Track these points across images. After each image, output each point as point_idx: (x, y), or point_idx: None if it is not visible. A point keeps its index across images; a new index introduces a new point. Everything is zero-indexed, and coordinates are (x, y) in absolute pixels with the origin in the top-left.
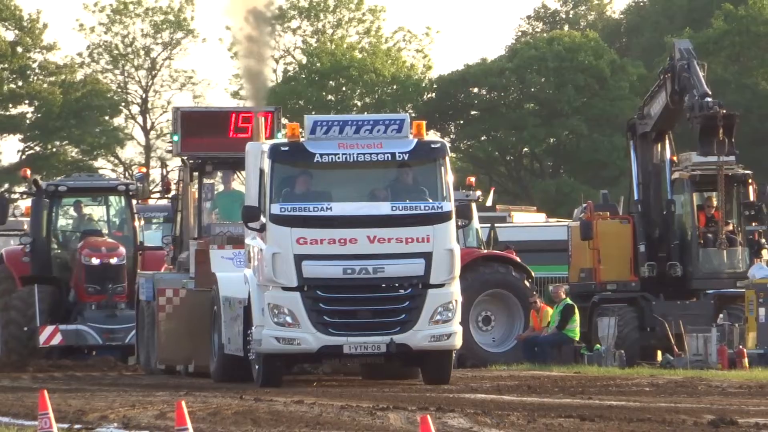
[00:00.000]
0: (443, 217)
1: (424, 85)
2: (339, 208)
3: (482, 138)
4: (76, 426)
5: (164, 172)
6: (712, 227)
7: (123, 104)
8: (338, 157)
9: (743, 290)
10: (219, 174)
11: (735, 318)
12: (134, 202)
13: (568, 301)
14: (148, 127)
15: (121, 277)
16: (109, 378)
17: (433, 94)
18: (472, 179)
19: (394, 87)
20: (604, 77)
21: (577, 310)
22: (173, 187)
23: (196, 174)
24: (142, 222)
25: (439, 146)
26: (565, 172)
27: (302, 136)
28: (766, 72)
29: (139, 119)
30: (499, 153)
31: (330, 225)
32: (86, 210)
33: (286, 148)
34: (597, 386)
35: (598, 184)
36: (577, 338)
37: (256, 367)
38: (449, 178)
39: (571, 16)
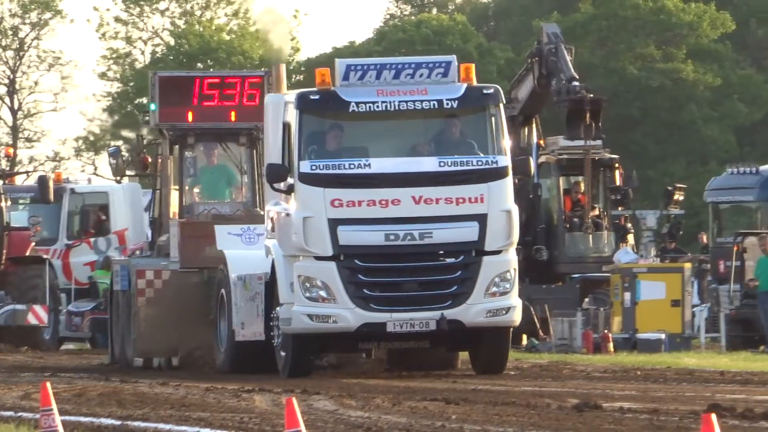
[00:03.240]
0: (499, 173)
1: (292, 67)
2: (378, 165)
3: None
4: None
5: (139, 144)
6: (578, 211)
7: None
8: (377, 106)
9: (609, 275)
10: (201, 147)
11: (600, 302)
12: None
13: None
14: (16, 108)
15: None
16: None
17: (302, 77)
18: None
19: (263, 69)
20: (471, 61)
21: None
22: (152, 162)
23: (176, 147)
24: (9, 202)
25: (492, 92)
26: None
27: (334, 84)
28: (633, 57)
29: (7, 100)
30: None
31: (369, 184)
32: None
33: (317, 97)
34: (461, 370)
35: None
36: None
37: (282, 353)
38: (504, 129)
39: None
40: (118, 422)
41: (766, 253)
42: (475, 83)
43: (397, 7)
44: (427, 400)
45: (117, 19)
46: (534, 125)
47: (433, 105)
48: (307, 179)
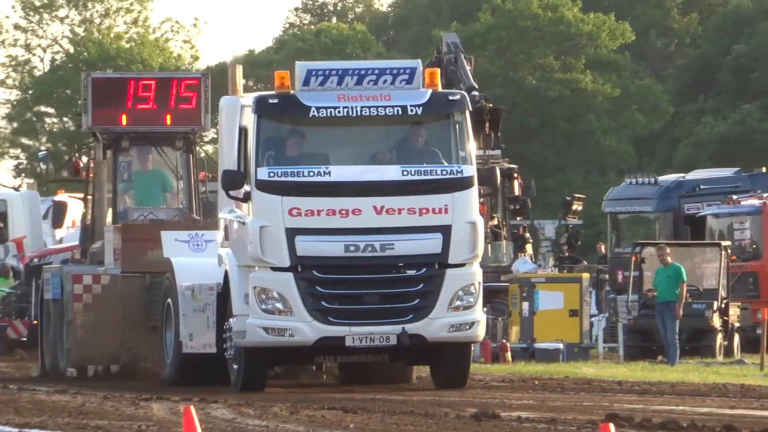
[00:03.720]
0: (464, 183)
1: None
2: (339, 173)
3: None
4: None
5: (71, 149)
6: None
7: None
8: (338, 111)
9: (507, 284)
10: (135, 151)
11: (499, 312)
12: None
13: None
14: None
15: None
16: None
17: None
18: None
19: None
20: None
21: None
22: (84, 167)
23: (109, 152)
24: None
25: (458, 98)
26: None
27: (293, 88)
28: (532, 67)
29: None
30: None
31: (329, 193)
32: None
33: (276, 101)
34: (360, 379)
35: None
36: None
37: (235, 366)
38: (470, 137)
39: (339, 8)
40: (16, 429)
41: (664, 263)
42: (440, 89)
43: (296, 16)
44: (325, 409)
45: (16, 27)
46: None
47: (397, 111)
48: (265, 187)
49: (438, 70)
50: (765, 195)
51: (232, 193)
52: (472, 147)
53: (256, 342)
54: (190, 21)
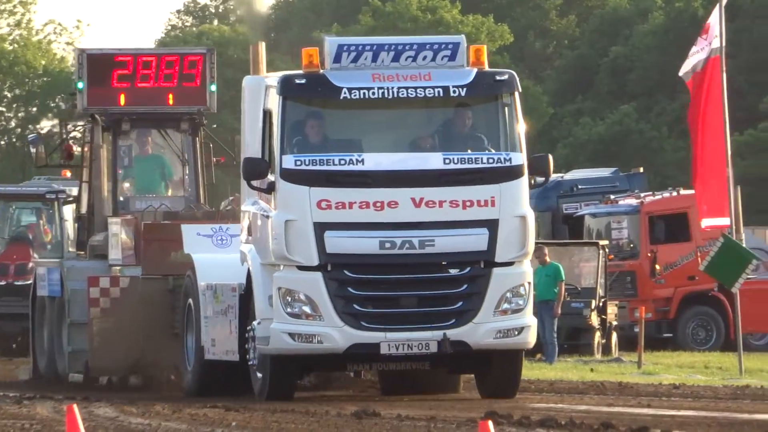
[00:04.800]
0: (513, 172)
1: (74, 77)
2: (373, 161)
3: None
4: None
5: (64, 133)
6: None
7: None
8: (372, 93)
9: None
10: (134, 134)
11: None
12: None
13: None
14: None
15: None
16: None
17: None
18: (68, 173)
19: (45, 79)
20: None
21: None
22: (77, 151)
23: (107, 134)
24: None
25: (506, 78)
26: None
27: (323, 66)
28: None
29: None
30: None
31: (362, 183)
32: None
33: (303, 81)
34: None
35: None
36: None
37: (259, 374)
38: (519, 121)
39: (220, 10)
40: None
41: (543, 262)
42: (486, 68)
43: (178, 18)
44: (207, 407)
45: None
46: None
47: (438, 92)
48: (291, 176)
49: (484, 47)
50: (642, 195)
51: (254, 183)
52: (521, 132)
53: (281, 349)
54: (72, 23)
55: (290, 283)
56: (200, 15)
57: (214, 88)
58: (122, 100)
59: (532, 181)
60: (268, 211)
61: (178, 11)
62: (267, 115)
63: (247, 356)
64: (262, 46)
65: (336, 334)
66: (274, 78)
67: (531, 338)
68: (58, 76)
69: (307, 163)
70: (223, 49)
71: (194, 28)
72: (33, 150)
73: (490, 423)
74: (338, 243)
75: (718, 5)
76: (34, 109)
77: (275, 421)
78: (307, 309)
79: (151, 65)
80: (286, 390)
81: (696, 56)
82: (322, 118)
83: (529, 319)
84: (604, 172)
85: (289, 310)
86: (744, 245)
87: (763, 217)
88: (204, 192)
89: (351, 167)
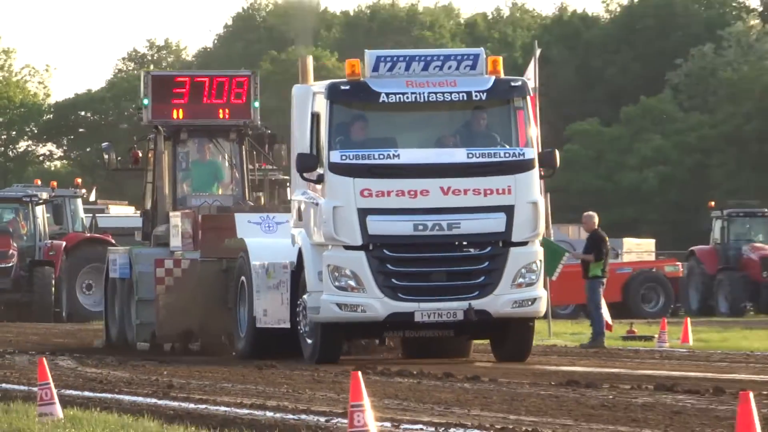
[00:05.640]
0: (526, 165)
1: (44, 108)
2: (408, 156)
3: (88, 149)
4: None
5: (134, 142)
6: None
7: None
8: (407, 97)
9: None
10: (193, 142)
11: None
12: None
13: None
14: None
15: None
16: None
17: (51, 116)
18: (79, 180)
19: (22, 110)
20: None
21: None
22: (143, 157)
23: (168, 143)
24: None
25: (520, 84)
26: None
27: (363, 75)
28: None
29: None
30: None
31: (398, 174)
32: None
33: (347, 87)
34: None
35: None
36: None
37: (308, 341)
38: (531, 120)
39: (155, 58)
40: None
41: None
42: (502, 75)
43: (123, 63)
44: (149, 360)
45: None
46: None
47: (462, 97)
48: (337, 169)
49: (500, 58)
50: None
51: (306, 175)
52: (533, 130)
53: (330, 317)
54: (43, 67)
55: (338, 260)
56: (140, 61)
57: (257, 104)
58: (181, 114)
59: (542, 173)
60: (317, 199)
61: (123, 58)
62: (315, 117)
63: (298, 325)
64: (310, 59)
65: (377, 304)
66: (320, 85)
67: (542, 308)
68: (32, 107)
69: (351, 157)
70: None
71: (135, 72)
72: (106, 156)
73: None
74: (378, 226)
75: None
76: (14, 132)
77: (197, 371)
78: (352, 283)
79: (205, 85)
80: (333, 354)
81: None
82: (364, 119)
83: (540, 291)
84: None
85: (336, 283)
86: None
87: (562, 215)
88: (248, 191)
89: (388, 161)
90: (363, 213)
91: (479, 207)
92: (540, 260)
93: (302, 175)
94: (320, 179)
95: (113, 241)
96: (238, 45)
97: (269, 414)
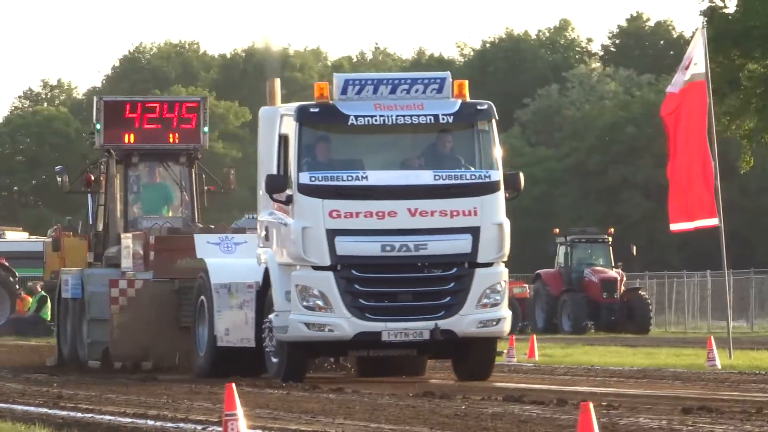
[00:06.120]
0: (491, 187)
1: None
2: (376, 177)
3: None
4: None
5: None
6: None
7: None
8: (375, 119)
9: None
10: (143, 166)
11: None
12: None
13: (43, 293)
14: None
15: None
16: None
17: None
18: None
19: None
20: (70, 139)
21: (49, 300)
22: (95, 180)
23: (120, 166)
24: None
25: (485, 108)
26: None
27: (332, 98)
28: None
29: None
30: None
31: (366, 196)
32: None
33: (317, 110)
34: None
35: (67, 211)
36: (49, 319)
37: (274, 359)
38: (496, 143)
39: (49, 96)
40: None
41: None
42: (468, 99)
43: (19, 101)
44: (41, 374)
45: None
46: None
47: (430, 120)
48: (306, 190)
49: (466, 82)
50: None
51: (275, 196)
52: (498, 153)
53: (297, 336)
54: None
55: (306, 280)
56: (36, 99)
57: (206, 129)
58: (132, 138)
59: (507, 195)
60: (285, 219)
61: (20, 96)
62: (282, 139)
63: (264, 344)
64: (277, 82)
65: (345, 323)
66: (289, 107)
67: (506, 328)
68: None
69: (320, 179)
70: (50, 122)
71: (30, 108)
72: (59, 179)
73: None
74: (347, 246)
75: (699, 33)
76: None
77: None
78: (320, 302)
79: (155, 110)
80: (298, 372)
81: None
82: (332, 141)
83: (504, 311)
84: None
85: (304, 303)
86: None
87: None
88: (198, 213)
89: (357, 182)
90: (331, 234)
91: (446, 228)
92: (505, 281)
93: (271, 196)
94: (289, 200)
95: (6, 263)
96: (124, 84)
97: (150, 422)
